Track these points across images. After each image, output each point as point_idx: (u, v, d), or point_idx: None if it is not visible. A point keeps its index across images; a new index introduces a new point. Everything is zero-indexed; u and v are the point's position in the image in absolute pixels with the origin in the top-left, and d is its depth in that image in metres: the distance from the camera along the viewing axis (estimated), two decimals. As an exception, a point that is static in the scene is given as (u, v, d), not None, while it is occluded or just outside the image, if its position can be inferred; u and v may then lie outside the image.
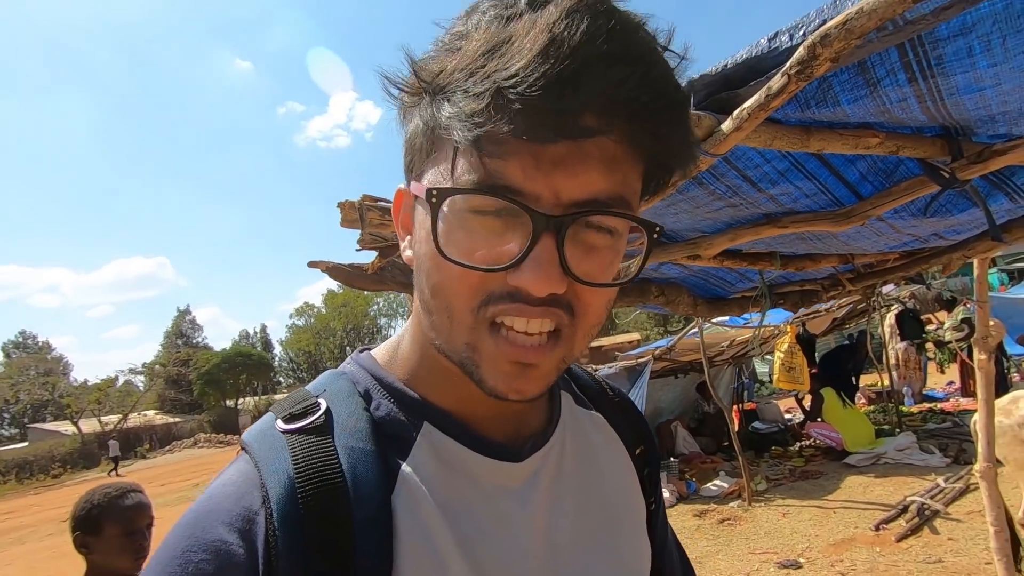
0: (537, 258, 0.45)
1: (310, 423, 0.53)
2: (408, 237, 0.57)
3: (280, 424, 0.54)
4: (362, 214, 1.06)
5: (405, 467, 0.53)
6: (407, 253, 0.56)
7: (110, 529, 1.75)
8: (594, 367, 8.34)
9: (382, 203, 1.09)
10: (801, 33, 0.80)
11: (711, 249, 1.37)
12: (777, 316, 7.15)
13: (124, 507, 1.77)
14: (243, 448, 0.54)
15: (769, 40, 0.85)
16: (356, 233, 1.42)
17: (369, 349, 0.65)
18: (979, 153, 1.00)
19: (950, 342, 9.24)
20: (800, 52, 0.71)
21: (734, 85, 0.89)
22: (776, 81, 0.76)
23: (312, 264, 1.65)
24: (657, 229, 0.50)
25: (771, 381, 8.50)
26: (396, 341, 0.63)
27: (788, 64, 0.73)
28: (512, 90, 0.41)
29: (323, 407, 0.55)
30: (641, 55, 0.44)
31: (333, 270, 1.39)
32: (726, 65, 0.90)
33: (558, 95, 0.41)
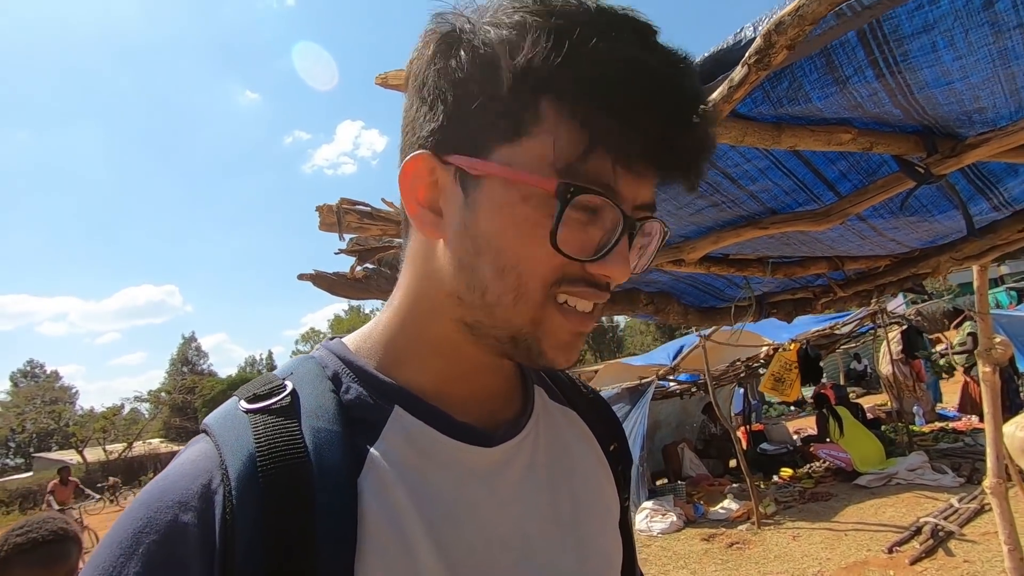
0: (622, 252, 0.52)
1: (275, 403, 0.52)
2: (422, 210, 0.54)
3: (243, 404, 0.52)
4: (340, 217, 1.07)
5: (373, 450, 0.52)
6: (431, 229, 0.54)
7: None
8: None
9: (360, 207, 1.09)
10: (764, 24, 0.81)
11: (694, 253, 1.36)
12: (778, 335, 7.10)
13: (29, 563, 1.51)
14: (204, 430, 0.53)
15: (735, 34, 0.86)
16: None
17: (340, 337, 0.64)
18: (952, 147, 1.00)
19: (955, 354, 9.11)
20: (757, 41, 0.72)
21: (704, 80, 0.90)
22: (737, 72, 0.77)
23: (301, 277, 1.66)
24: (667, 230, 0.59)
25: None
26: (369, 328, 0.62)
27: (747, 54, 0.74)
28: (667, 138, 0.48)
29: (289, 388, 0.54)
30: (708, 114, 0.52)
31: (317, 278, 1.39)
32: (696, 60, 0.91)
33: (676, 136, 0.49)
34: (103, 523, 11.52)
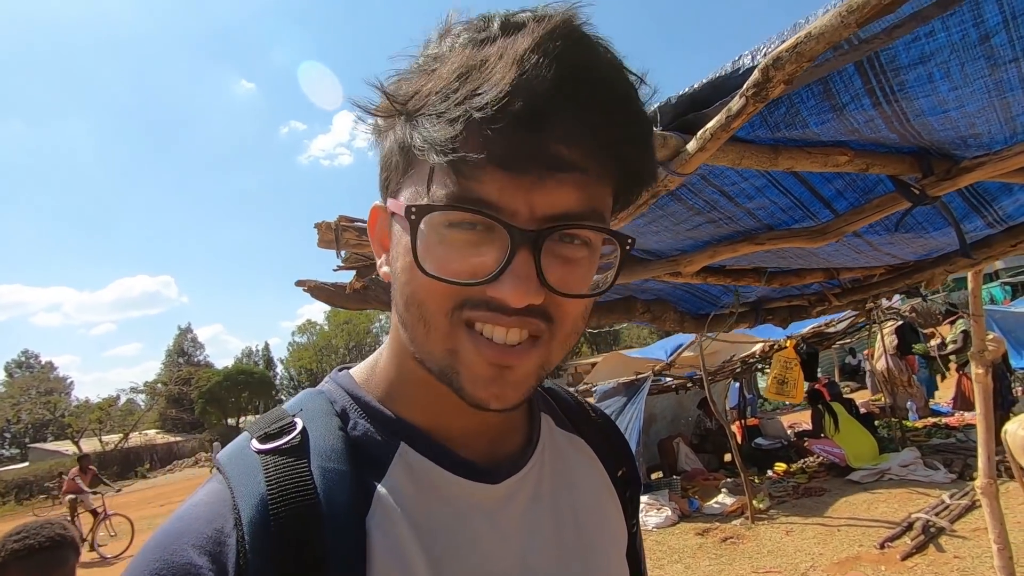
0: (515, 271, 0.46)
1: (285, 443, 0.53)
2: (384, 254, 0.58)
3: (255, 444, 0.53)
4: (338, 235, 1.07)
5: (380, 488, 0.53)
6: (384, 269, 0.57)
7: None
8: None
9: (358, 223, 1.10)
10: (762, 54, 0.82)
11: (691, 266, 1.37)
12: (776, 332, 7.14)
13: (25, 570, 1.51)
14: (217, 468, 0.54)
15: (733, 62, 0.87)
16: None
17: (348, 368, 0.65)
18: (948, 170, 1.01)
19: (946, 355, 9.17)
20: (755, 75, 0.72)
21: (701, 106, 0.91)
22: (735, 103, 0.77)
23: (299, 283, 1.66)
24: (630, 241, 0.53)
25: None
26: (374, 360, 0.63)
27: (745, 86, 0.74)
28: (484, 120, 0.43)
29: (299, 426, 0.54)
30: (610, 90, 0.47)
31: (315, 289, 1.39)
32: (694, 87, 0.91)
33: (528, 129, 0.44)
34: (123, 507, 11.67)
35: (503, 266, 0.46)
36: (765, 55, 0.81)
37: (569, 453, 0.68)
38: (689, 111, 0.91)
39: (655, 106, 0.94)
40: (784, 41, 0.73)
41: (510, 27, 0.48)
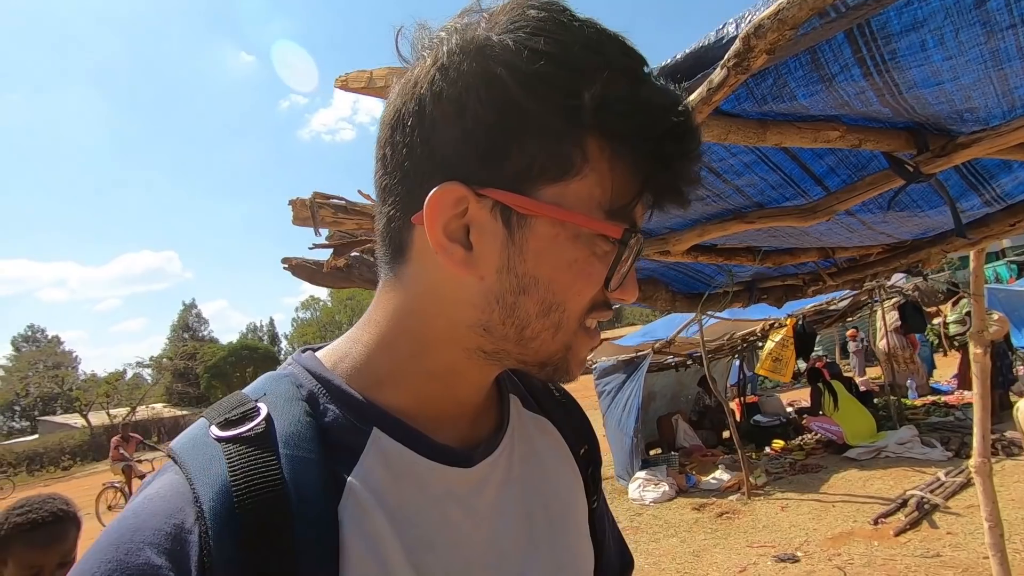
0: (632, 274, 0.56)
1: (248, 430, 0.49)
2: (461, 249, 0.51)
3: (215, 431, 0.49)
4: (314, 212, 1.04)
5: (352, 477, 0.50)
6: (460, 265, 0.51)
7: (12, 566, 1.50)
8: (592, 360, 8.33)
9: (334, 200, 1.07)
10: (747, 21, 0.78)
11: (680, 244, 1.34)
12: (771, 312, 7.10)
13: (27, 542, 1.50)
14: (172, 459, 0.50)
15: (717, 31, 0.82)
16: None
17: (313, 349, 0.61)
18: (943, 146, 0.97)
19: (954, 336, 9.15)
20: (736, 45, 0.68)
21: (684, 78, 0.86)
22: (717, 74, 0.73)
23: (284, 261, 1.64)
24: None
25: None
26: (347, 343, 0.59)
27: (726, 57, 0.70)
28: (687, 176, 0.53)
29: (263, 412, 0.51)
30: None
31: (297, 267, 1.37)
32: (676, 57, 0.87)
33: (690, 183, 0.54)
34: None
35: (627, 272, 0.54)
36: (750, 23, 0.77)
37: (536, 435, 0.68)
38: (672, 83, 0.86)
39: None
40: (768, 7, 0.69)
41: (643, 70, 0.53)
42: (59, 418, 43.03)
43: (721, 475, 6.98)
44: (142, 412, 41.45)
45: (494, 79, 0.47)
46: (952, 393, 9.56)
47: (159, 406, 45.15)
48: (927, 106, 0.89)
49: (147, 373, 51.31)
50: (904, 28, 0.75)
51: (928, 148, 0.99)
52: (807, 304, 7.65)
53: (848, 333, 13.66)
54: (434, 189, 0.49)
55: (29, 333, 58.69)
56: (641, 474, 7.12)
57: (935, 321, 10.17)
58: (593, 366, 8.33)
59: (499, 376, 0.66)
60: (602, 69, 0.47)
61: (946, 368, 11.57)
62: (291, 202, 1.04)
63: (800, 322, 7.35)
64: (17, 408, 51.59)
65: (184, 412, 43.52)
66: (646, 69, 0.51)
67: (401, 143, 0.51)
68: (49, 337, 59.17)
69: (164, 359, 51.61)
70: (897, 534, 4.77)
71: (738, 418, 8.78)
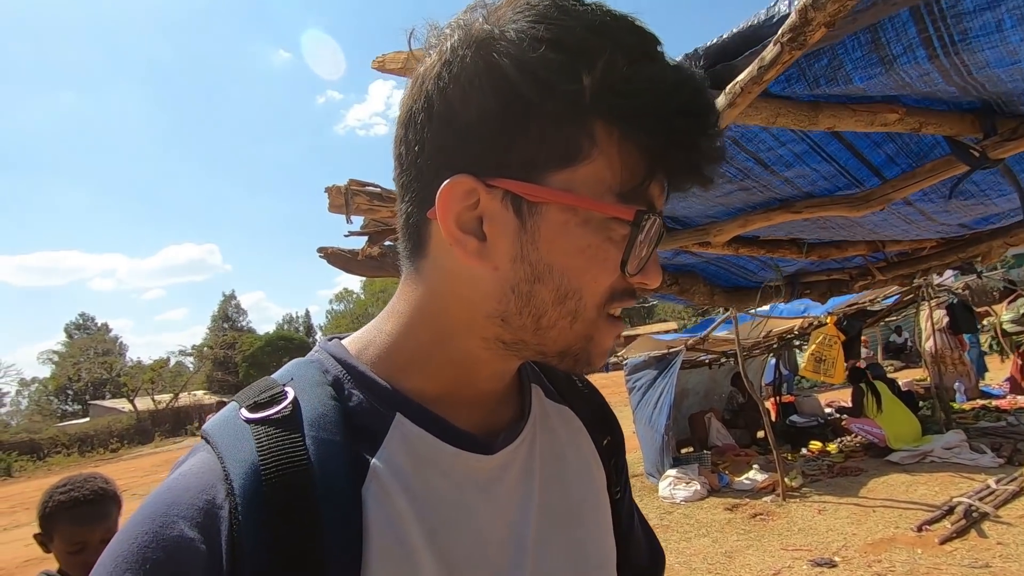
0: (655, 259, 0.54)
1: (276, 412, 0.51)
2: (474, 240, 0.51)
3: (244, 413, 0.52)
4: (348, 199, 1.04)
5: (376, 460, 0.52)
6: (474, 256, 0.51)
7: (57, 541, 1.56)
8: (623, 356, 8.25)
9: (369, 187, 1.06)
10: (801, -2, 0.73)
11: (721, 236, 1.29)
12: (817, 308, 6.87)
13: (70, 519, 1.56)
14: (204, 438, 0.52)
15: (767, 8, 0.78)
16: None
17: (339, 338, 0.64)
18: (1014, 129, 0.90)
19: (1010, 335, 8.71)
20: (792, 18, 0.64)
21: (732, 57, 0.82)
22: (769, 51, 0.69)
23: (320, 250, 1.65)
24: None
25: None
26: (372, 332, 0.61)
27: (780, 31, 0.66)
28: (704, 155, 0.51)
29: (290, 396, 0.53)
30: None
31: (332, 256, 1.37)
32: (723, 36, 0.83)
33: (710, 162, 0.52)
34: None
35: (648, 256, 0.53)
36: (805, -3, 0.72)
37: (558, 424, 0.68)
38: (718, 63, 0.82)
39: (680, 58, 0.86)
40: (827, -21, 0.65)
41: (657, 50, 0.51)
42: (108, 402, 45.09)
43: (755, 475, 6.82)
44: (184, 398, 43.08)
45: (496, 70, 0.47)
46: (1004, 397, 9.11)
47: (200, 393, 46.81)
48: (999, 84, 0.82)
49: (189, 361, 53.26)
50: (979, 6, 0.70)
51: (996, 131, 0.92)
52: (842, 301, 7.35)
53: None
54: (444, 183, 0.50)
55: (80, 321, 61.57)
56: (672, 472, 7.01)
57: (985, 321, 9.68)
58: (624, 362, 8.24)
59: (521, 366, 0.67)
60: (604, 51, 0.47)
61: (997, 371, 11.03)
62: (327, 189, 1.04)
63: (841, 320, 7.09)
64: (70, 392, 54.22)
65: (224, 399, 44.98)
66: (657, 48, 0.50)
67: (413, 140, 0.52)
68: (99, 325, 61.97)
69: (205, 348, 53.47)
70: (943, 542, 4.57)
71: (773, 418, 8.56)
